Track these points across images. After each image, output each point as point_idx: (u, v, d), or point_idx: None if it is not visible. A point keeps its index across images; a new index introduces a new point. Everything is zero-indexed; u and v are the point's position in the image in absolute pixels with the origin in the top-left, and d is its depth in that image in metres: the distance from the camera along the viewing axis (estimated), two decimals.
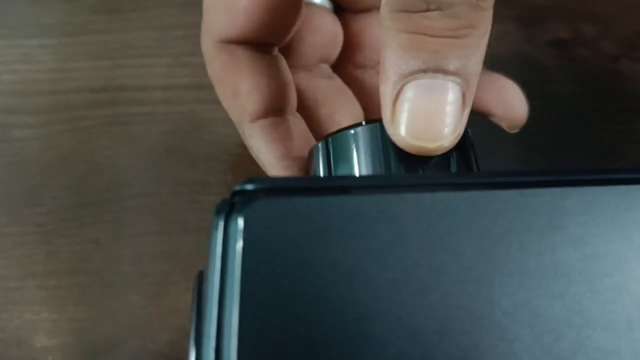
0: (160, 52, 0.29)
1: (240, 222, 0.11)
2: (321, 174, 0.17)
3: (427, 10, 0.14)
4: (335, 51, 0.23)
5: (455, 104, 0.15)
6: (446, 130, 0.15)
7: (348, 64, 0.24)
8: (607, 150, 0.30)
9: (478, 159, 0.18)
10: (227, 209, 0.12)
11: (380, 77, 0.16)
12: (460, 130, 0.16)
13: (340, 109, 0.22)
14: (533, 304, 0.12)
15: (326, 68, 0.23)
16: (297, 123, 0.21)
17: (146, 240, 0.26)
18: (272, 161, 0.20)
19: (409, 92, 0.15)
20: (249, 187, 0.12)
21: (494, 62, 0.31)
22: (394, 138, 0.16)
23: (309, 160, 0.18)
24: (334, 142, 0.17)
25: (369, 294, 0.11)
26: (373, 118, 0.17)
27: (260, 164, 0.20)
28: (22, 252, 0.25)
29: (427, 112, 0.15)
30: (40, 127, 0.27)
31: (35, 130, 0.27)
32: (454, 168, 0.17)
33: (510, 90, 0.21)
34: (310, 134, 0.21)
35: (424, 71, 0.15)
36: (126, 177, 0.27)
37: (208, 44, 0.21)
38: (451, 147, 0.16)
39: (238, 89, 0.20)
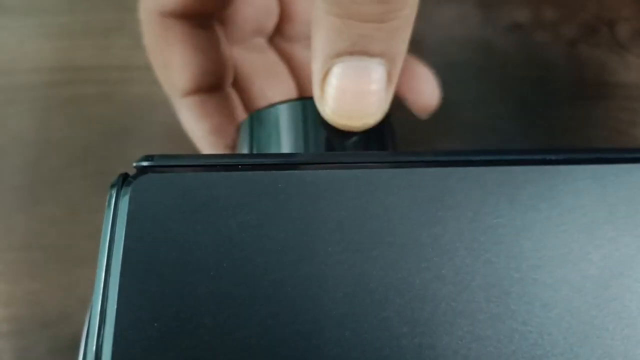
0: (119, 33, 0.29)
1: (127, 194, 0.12)
2: (245, 150, 0.18)
3: None
4: (269, 23, 0.23)
5: (379, 84, 0.15)
6: (370, 108, 0.16)
7: (278, 37, 0.23)
8: (562, 134, 0.30)
9: (396, 140, 0.18)
10: (120, 183, 0.13)
11: (312, 55, 0.16)
12: (385, 108, 0.16)
13: (271, 84, 0.22)
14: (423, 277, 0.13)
15: (261, 42, 0.23)
16: (229, 99, 0.21)
17: (100, 217, 0.26)
18: (200, 136, 0.20)
19: (336, 73, 0.15)
20: (145, 163, 0.13)
21: (451, 45, 0.31)
22: (323, 115, 0.16)
23: (236, 136, 0.19)
24: (257, 119, 0.18)
25: (243, 262, 0.12)
26: (301, 96, 0.18)
27: (190, 137, 0.21)
28: None
29: (353, 92, 0.15)
30: None
31: None
32: (370, 148, 0.17)
33: (422, 77, 0.22)
34: (241, 110, 0.21)
35: (350, 53, 0.15)
36: (82, 155, 0.27)
37: (144, 14, 0.21)
38: (376, 123, 0.16)
39: (170, 62, 0.20)
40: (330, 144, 0.17)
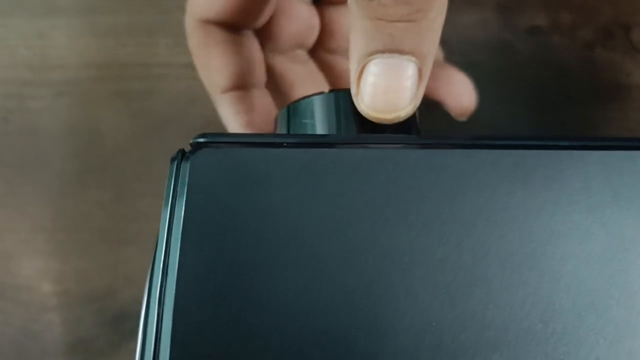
0: (162, 32, 0.31)
1: (187, 166, 0.14)
2: None
3: None
4: (311, 38, 0.25)
5: (410, 80, 0.17)
6: (402, 103, 0.17)
7: (321, 50, 0.26)
8: (577, 134, 0.31)
9: (420, 129, 0.20)
10: (180, 157, 0.14)
11: (349, 56, 0.18)
12: (416, 103, 0.17)
13: (312, 90, 0.24)
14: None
15: (302, 53, 0.26)
16: (262, 97, 0.23)
17: (144, 202, 0.29)
18: (237, 129, 0.22)
19: (370, 70, 0.17)
20: (201, 140, 0.15)
21: (471, 46, 0.33)
22: (359, 109, 0.17)
23: (274, 126, 0.21)
24: (293, 109, 0.19)
25: (286, 229, 0.14)
26: (333, 89, 0.20)
27: (229, 131, 0.23)
28: (34, 210, 0.28)
29: (386, 88, 0.17)
30: (52, 98, 0.30)
31: (47, 102, 0.30)
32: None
33: (459, 82, 0.23)
34: (274, 107, 0.23)
35: (382, 52, 0.16)
36: (127, 145, 0.29)
37: (189, 21, 0.23)
38: (407, 117, 0.17)
39: (210, 63, 0.23)
40: (362, 129, 0.19)
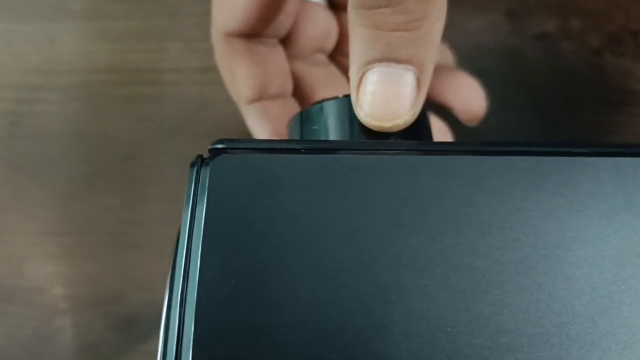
0: (172, 38, 0.32)
1: (207, 172, 0.14)
2: None
3: (380, 7, 0.16)
4: (330, 42, 0.26)
5: (409, 89, 0.17)
6: (401, 111, 0.17)
7: (339, 55, 0.26)
8: (586, 140, 0.31)
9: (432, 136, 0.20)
10: (200, 163, 0.15)
11: (350, 64, 0.18)
12: (416, 111, 0.18)
13: (333, 93, 0.24)
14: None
15: (322, 57, 0.26)
16: (289, 105, 0.24)
17: (153, 206, 0.29)
18: (265, 139, 0.23)
19: (369, 79, 0.17)
20: (219, 145, 0.15)
21: (480, 53, 0.33)
22: (359, 117, 0.18)
23: (287, 132, 0.21)
24: (306, 114, 0.20)
25: (303, 233, 0.14)
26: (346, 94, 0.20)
27: None
28: (42, 213, 0.28)
29: (384, 96, 0.17)
30: (62, 103, 0.30)
31: (57, 106, 0.30)
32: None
33: (468, 87, 0.23)
34: None
35: (381, 61, 0.17)
36: (136, 150, 0.30)
37: (214, 35, 0.24)
38: (407, 125, 0.18)
39: (235, 75, 0.23)
40: (372, 135, 0.19)
